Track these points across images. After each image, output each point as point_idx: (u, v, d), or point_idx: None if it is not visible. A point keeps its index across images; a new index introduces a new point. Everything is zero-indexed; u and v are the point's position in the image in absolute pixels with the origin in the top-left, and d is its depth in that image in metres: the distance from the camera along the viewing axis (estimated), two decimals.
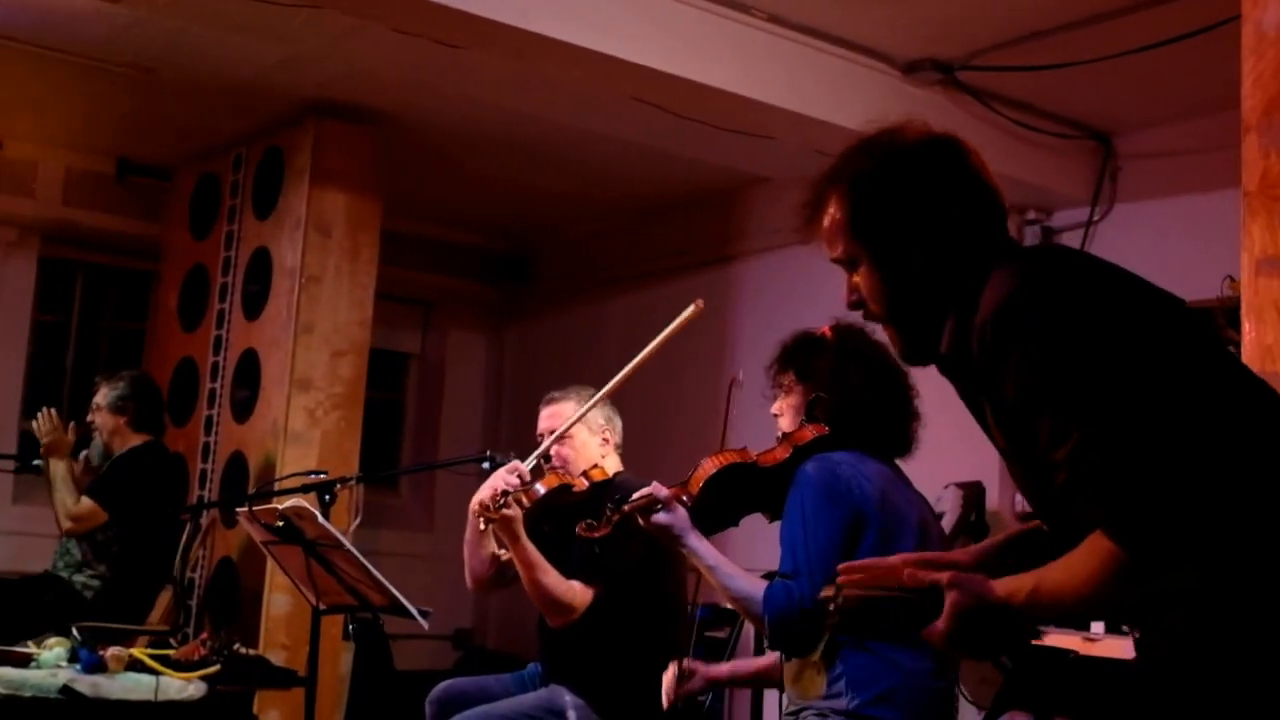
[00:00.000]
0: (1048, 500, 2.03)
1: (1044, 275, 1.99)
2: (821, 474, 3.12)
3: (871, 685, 3.02)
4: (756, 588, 3.14)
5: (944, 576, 1.99)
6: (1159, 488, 1.79)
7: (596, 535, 3.44)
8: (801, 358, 3.39)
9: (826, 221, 2.24)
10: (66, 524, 6.18)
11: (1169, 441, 1.81)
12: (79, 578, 6.19)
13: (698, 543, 3.26)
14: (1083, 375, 1.86)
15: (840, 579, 2.13)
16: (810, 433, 3.30)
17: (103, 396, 6.44)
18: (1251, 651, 1.81)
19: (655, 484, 3.33)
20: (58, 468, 6.22)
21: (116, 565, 6.19)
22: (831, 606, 2.10)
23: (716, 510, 3.36)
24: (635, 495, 3.34)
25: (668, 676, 3.78)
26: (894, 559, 2.17)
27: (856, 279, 2.22)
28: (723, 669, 3.85)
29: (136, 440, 6.37)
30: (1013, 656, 2.14)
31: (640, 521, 3.30)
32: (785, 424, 3.38)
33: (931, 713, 3.06)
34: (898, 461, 3.36)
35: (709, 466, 3.32)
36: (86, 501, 6.16)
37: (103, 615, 5.85)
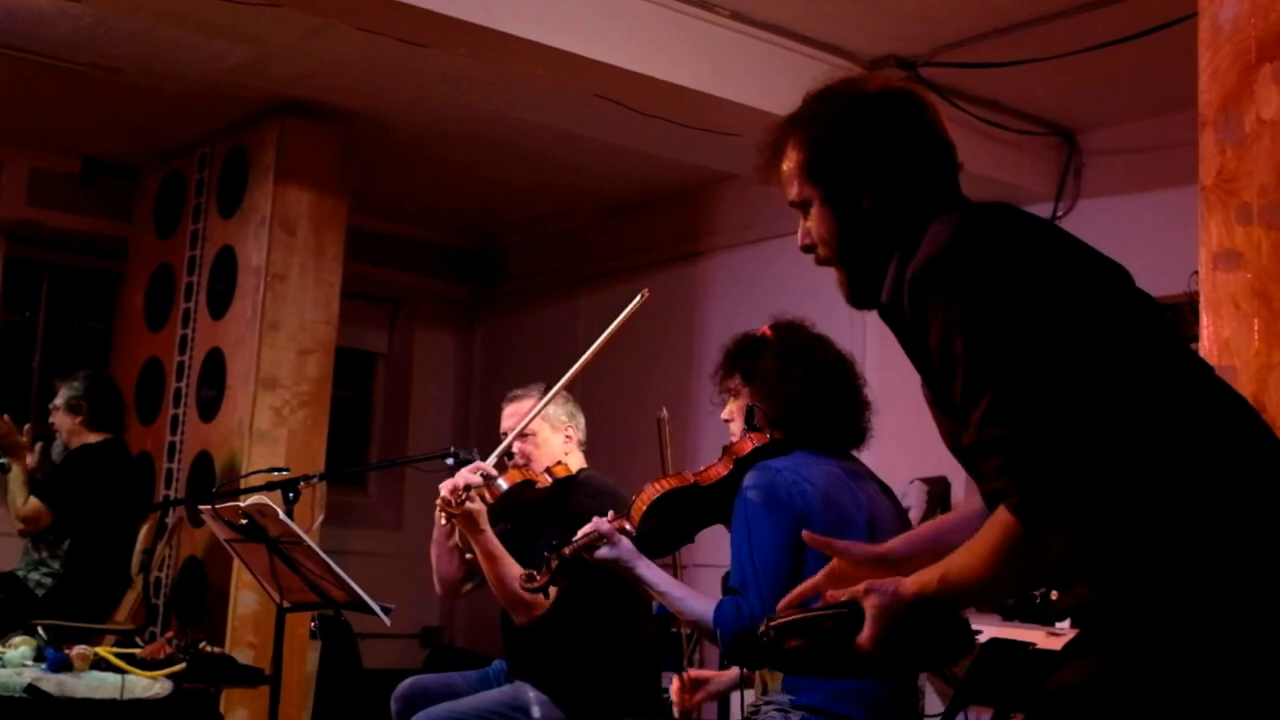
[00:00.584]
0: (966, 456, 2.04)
1: (980, 230, 2.02)
2: (761, 484, 3.11)
3: (830, 682, 3.03)
4: (708, 607, 3.16)
5: (859, 588, 2.02)
6: (1058, 455, 1.81)
7: (536, 585, 3.48)
8: (745, 360, 3.39)
9: (784, 164, 2.28)
10: (17, 525, 6.23)
11: (1075, 414, 1.82)
12: (34, 575, 6.22)
13: (646, 570, 3.30)
14: (1000, 335, 1.88)
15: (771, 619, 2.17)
16: (750, 443, 3.31)
17: (60, 397, 6.48)
18: (1162, 627, 1.84)
19: (596, 519, 3.36)
20: (14, 470, 6.23)
21: (68, 562, 6.23)
22: (764, 639, 2.13)
23: (663, 534, 3.40)
24: (577, 536, 3.36)
25: (674, 689, 3.80)
26: (814, 579, 2.21)
27: (808, 223, 2.26)
28: (731, 674, 3.86)
29: (94, 439, 6.36)
30: (951, 660, 2.14)
31: (586, 558, 3.33)
32: (736, 429, 3.39)
33: (891, 708, 3.07)
34: (857, 454, 3.37)
35: (646, 496, 3.34)
36: (33, 502, 6.21)
37: (56, 613, 5.87)
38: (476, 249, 9.75)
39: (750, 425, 3.31)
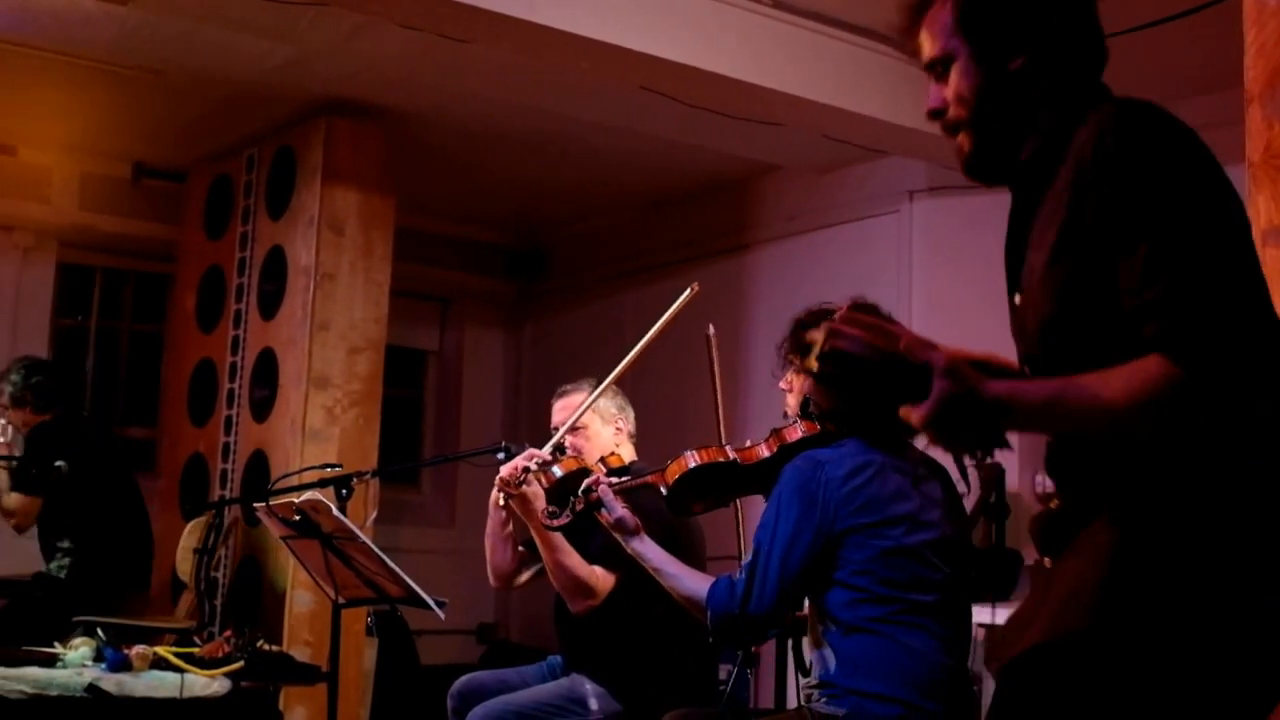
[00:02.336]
0: (1058, 344, 2.02)
1: (1157, 111, 2.01)
2: (801, 477, 3.10)
3: (878, 667, 3.03)
4: (702, 587, 3.20)
5: (939, 358, 1.91)
6: (1232, 314, 1.83)
7: (557, 523, 3.61)
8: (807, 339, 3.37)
9: (930, 18, 2.21)
10: (11, 523, 6.31)
11: (1244, 281, 1.88)
12: (54, 564, 6.29)
13: (641, 546, 3.39)
14: (1189, 200, 1.90)
15: (840, 327, 2.04)
16: (799, 431, 3.31)
17: (4, 395, 6.52)
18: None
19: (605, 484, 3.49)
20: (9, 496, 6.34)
21: (78, 542, 6.32)
22: (818, 351, 2.05)
23: (695, 498, 3.46)
24: (618, 482, 3.49)
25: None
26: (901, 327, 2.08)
27: (943, 85, 2.20)
28: None
29: (43, 419, 6.49)
30: (983, 455, 2.05)
31: (597, 516, 3.45)
32: (793, 401, 3.37)
33: (942, 692, 3.05)
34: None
35: (683, 463, 3.38)
36: (13, 496, 6.27)
37: (80, 589, 6.06)
38: (523, 246, 9.77)
39: (804, 413, 3.31)
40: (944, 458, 2.09)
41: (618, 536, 3.45)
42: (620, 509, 3.45)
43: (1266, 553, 1.86)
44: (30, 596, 6.28)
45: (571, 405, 4.48)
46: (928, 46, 2.22)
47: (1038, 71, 2.13)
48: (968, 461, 2.14)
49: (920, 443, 3.36)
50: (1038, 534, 2.14)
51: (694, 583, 3.26)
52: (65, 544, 6.33)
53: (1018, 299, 2.13)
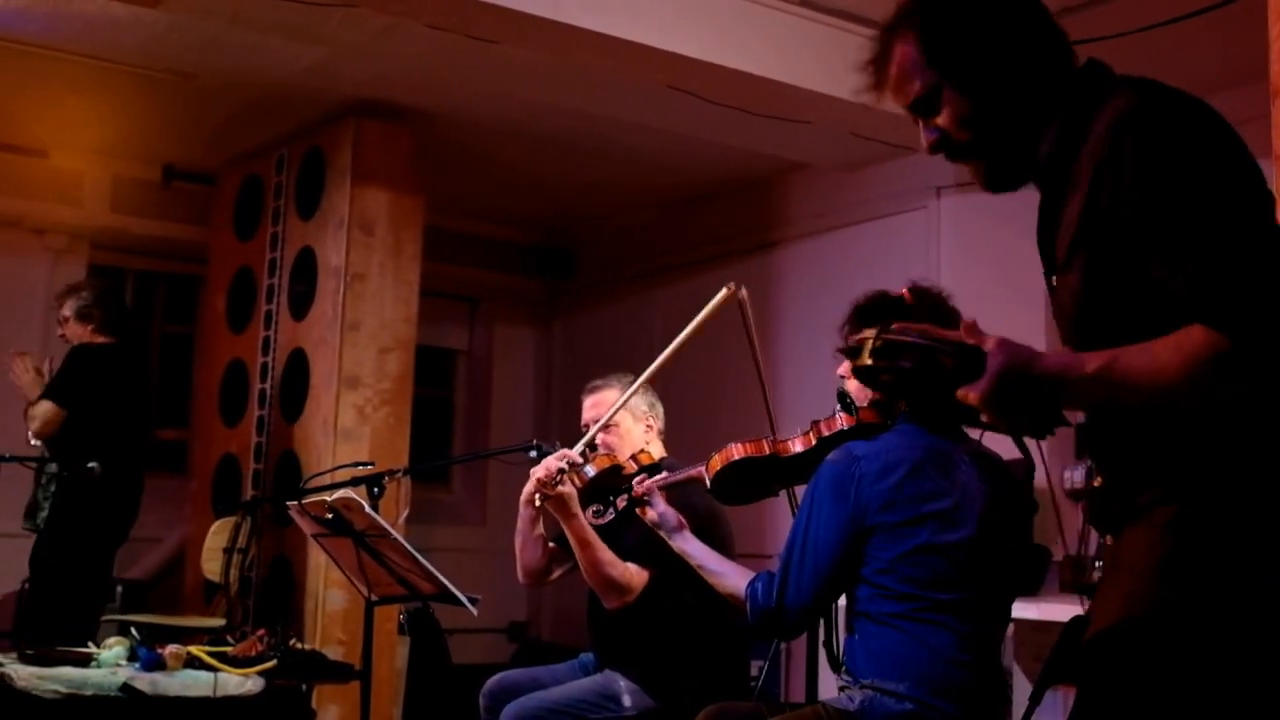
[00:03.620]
0: (1095, 323, 2.02)
1: (1175, 92, 2.01)
2: (836, 472, 3.10)
3: (898, 664, 3.03)
4: (741, 582, 3.21)
5: (991, 341, 1.95)
6: (1270, 279, 1.82)
7: (602, 521, 3.69)
8: (879, 319, 3.34)
9: (897, 64, 2.21)
10: (32, 428, 6.16)
11: (1277, 247, 1.86)
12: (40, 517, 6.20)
13: (684, 544, 3.42)
14: (1214, 172, 1.89)
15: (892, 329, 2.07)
16: (839, 423, 3.30)
17: (69, 308, 6.41)
18: None
19: (666, 475, 3.52)
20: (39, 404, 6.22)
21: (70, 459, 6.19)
22: (870, 345, 2.05)
23: (737, 491, 3.47)
24: (654, 479, 3.52)
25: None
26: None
27: (936, 119, 2.19)
28: None
29: (100, 340, 6.37)
30: (1042, 433, 2.07)
31: (639, 512, 3.49)
32: (853, 387, 3.34)
33: (959, 691, 3.04)
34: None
35: (724, 456, 3.39)
36: (44, 403, 6.14)
37: (66, 510, 6.03)
38: (552, 245, 9.79)
39: (843, 405, 3.30)
40: (1004, 440, 2.10)
41: (661, 533, 3.47)
42: (663, 505, 3.48)
43: None
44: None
45: (603, 401, 4.49)
46: (905, 92, 2.22)
47: (1018, 68, 2.13)
48: (1029, 442, 2.15)
49: (975, 434, 3.34)
50: (1091, 515, 2.14)
51: (736, 579, 3.26)
52: (52, 488, 6.18)
53: (1054, 281, 2.13)
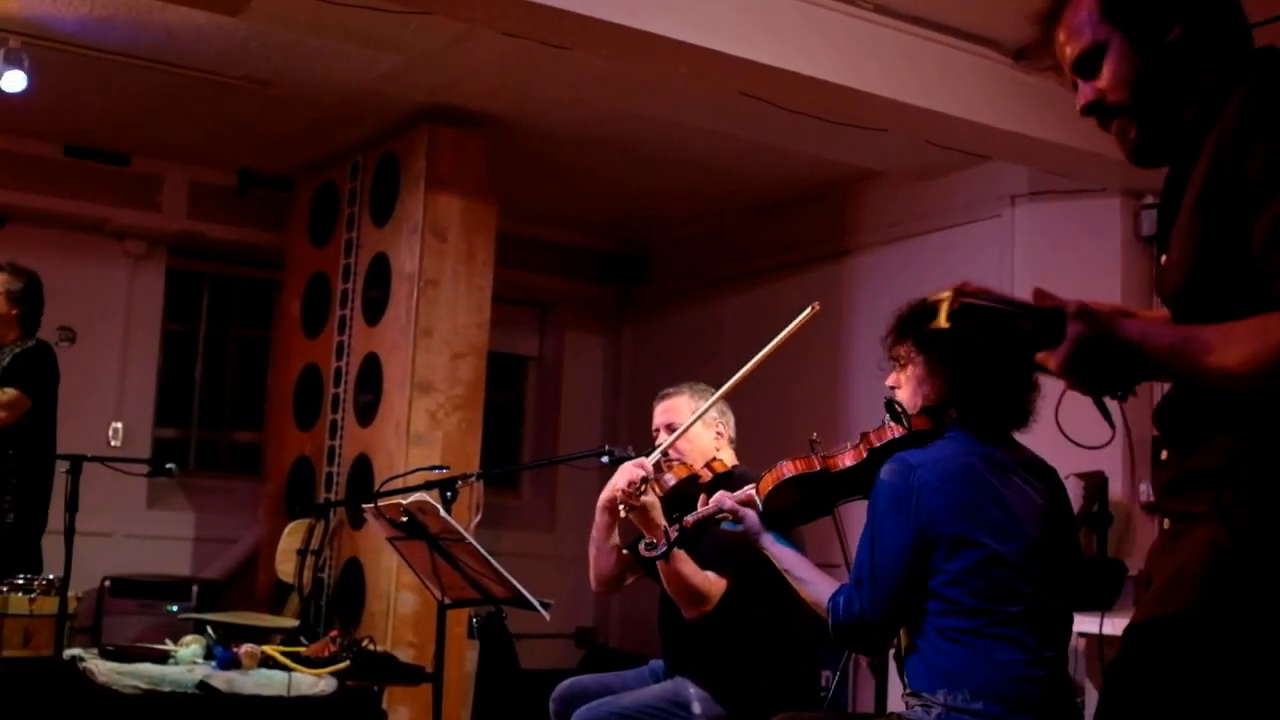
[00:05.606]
0: (1194, 301, 1.99)
1: None
2: (894, 484, 3.07)
3: (966, 679, 2.99)
4: (825, 593, 3.17)
5: (1069, 304, 1.95)
6: None
7: (657, 553, 3.62)
8: (921, 327, 3.31)
9: (1071, 15, 2.18)
10: (6, 417, 6.05)
11: None
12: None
13: (772, 547, 3.36)
14: None
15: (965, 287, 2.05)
16: (888, 433, 3.25)
17: (2, 284, 6.27)
18: None
19: (720, 494, 3.45)
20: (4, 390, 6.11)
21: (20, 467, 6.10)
22: (944, 309, 2.03)
23: (792, 511, 3.42)
24: (700, 508, 3.47)
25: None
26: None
27: (1097, 79, 2.17)
28: None
29: (25, 337, 6.22)
30: (1124, 394, 2.07)
31: (711, 529, 3.45)
32: (904, 396, 3.30)
33: (1035, 703, 3.00)
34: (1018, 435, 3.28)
35: (774, 475, 3.35)
36: (10, 390, 6.05)
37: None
38: (623, 251, 9.81)
39: (892, 415, 3.26)
40: (1084, 401, 2.09)
41: (751, 538, 3.40)
42: (746, 511, 3.40)
43: None
44: None
45: (673, 408, 4.49)
46: (1071, 47, 2.19)
47: (1196, 36, 2.09)
48: (1109, 402, 2.15)
49: (1026, 438, 3.30)
50: (1156, 487, 2.13)
51: (820, 587, 3.22)
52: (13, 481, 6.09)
53: (1164, 259, 2.11)
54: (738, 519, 3.38)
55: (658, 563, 4.15)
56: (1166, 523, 2.10)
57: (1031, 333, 1.98)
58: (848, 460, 3.29)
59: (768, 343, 3.96)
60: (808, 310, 3.80)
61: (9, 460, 6.07)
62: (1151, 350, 1.93)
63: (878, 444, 3.25)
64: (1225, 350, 1.85)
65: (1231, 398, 1.90)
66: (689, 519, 3.46)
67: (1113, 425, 2.20)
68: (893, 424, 3.26)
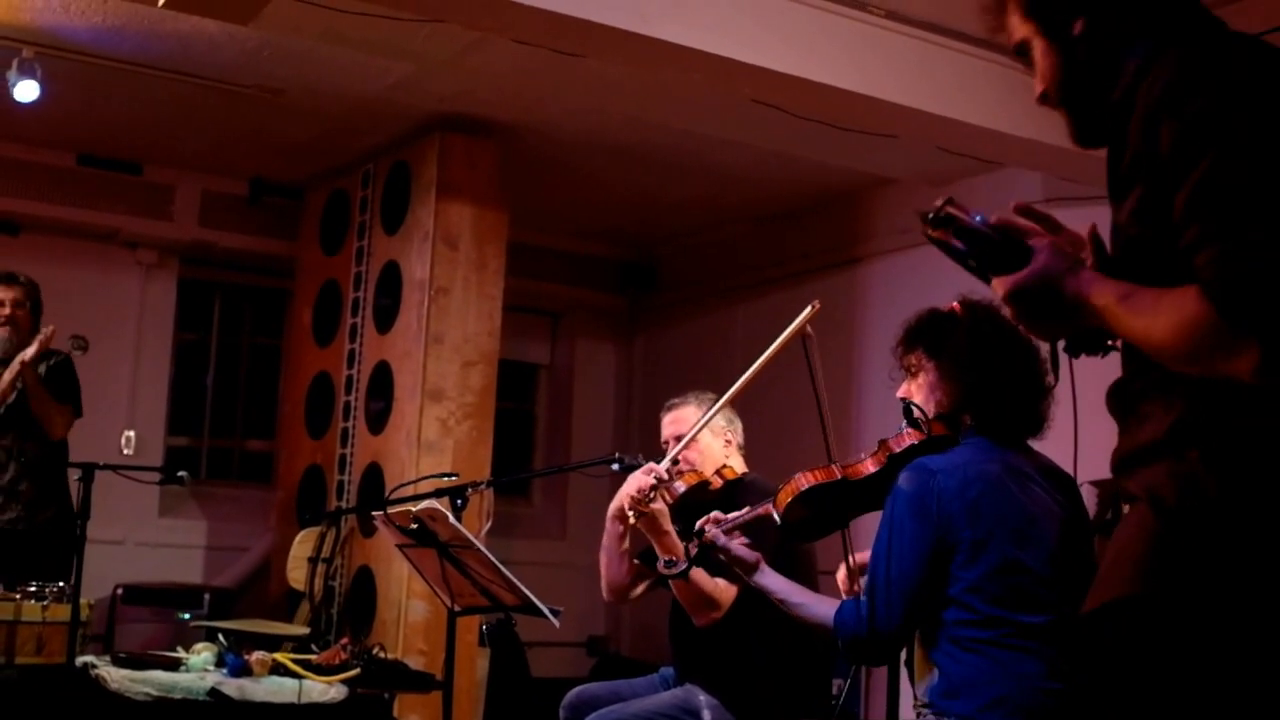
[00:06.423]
0: (1137, 268, 1.99)
1: (1239, 46, 1.97)
2: (913, 489, 3.04)
3: (983, 690, 2.96)
4: (828, 611, 3.16)
5: (1044, 242, 2.00)
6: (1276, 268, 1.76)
7: (676, 570, 3.68)
8: (931, 334, 3.28)
9: (1007, 10, 2.23)
10: (58, 432, 6.23)
11: None
12: (6, 516, 6.18)
13: (764, 580, 3.36)
14: (1246, 137, 1.83)
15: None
16: (906, 439, 3.23)
17: (23, 294, 6.35)
18: None
19: (711, 531, 3.45)
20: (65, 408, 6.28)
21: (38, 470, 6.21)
22: (930, 215, 2.09)
23: (810, 524, 3.39)
24: (704, 535, 3.46)
25: (841, 578, 3.68)
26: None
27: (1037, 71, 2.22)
28: None
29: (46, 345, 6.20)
30: (1073, 349, 2.11)
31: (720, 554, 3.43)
32: (918, 416, 3.29)
33: (1052, 717, 2.98)
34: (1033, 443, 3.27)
35: (792, 488, 3.31)
36: (64, 405, 6.24)
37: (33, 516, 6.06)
38: (635, 259, 9.81)
39: (909, 421, 3.24)
40: (1100, 410, 2.11)
41: (739, 572, 3.42)
42: (738, 546, 3.39)
43: None
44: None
45: (681, 419, 4.48)
46: (1010, 37, 2.25)
47: (1101, 25, 2.11)
48: (1061, 350, 2.20)
49: (1042, 446, 3.29)
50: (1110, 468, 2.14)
51: (821, 608, 3.21)
52: (25, 485, 6.20)
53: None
54: (728, 554, 3.39)
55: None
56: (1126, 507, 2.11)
57: (998, 256, 2.03)
58: (868, 467, 3.26)
59: (781, 348, 3.94)
60: (807, 309, 3.77)
61: (53, 467, 6.21)
62: (1092, 305, 1.95)
63: (897, 450, 3.23)
64: (1155, 317, 1.87)
65: (1165, 371, 1.91)
66: (692, 546, 3.47)
67: (1057, 375, 2.25)
68: (911, 430, 3.24)
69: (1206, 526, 1.86)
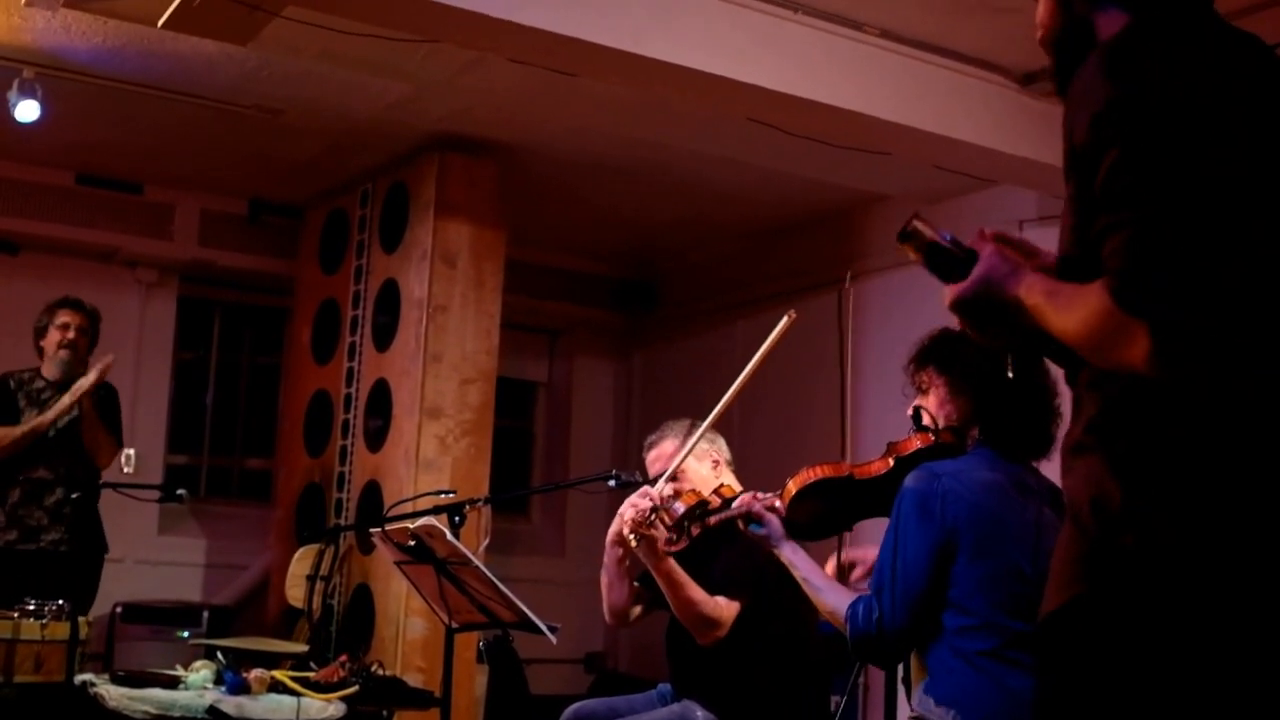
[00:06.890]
0: (1072, 261, 2.02)
1: (1166, 37, 1.98)
2: (919, 490, 3.05)
3: (978, 708, 2.97)
4: (843, 602, 3.15)
5: (989, 248, 2.05)
6: (1175, 259, 1.78)
7: (674, 549, 3.63)
8: (942, 352, 3.29)
9: None
10: (106, 460, 6.31)
11: (1207, 233, 1.80)
12: (49, 537, 6.20)
13: (792, 554, 3.32)
14: (1161, 132, 1.85)
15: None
16: (915, 443, 3.26)
17: (87, 321, 6.45)
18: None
19: (744, 497, 3.43)
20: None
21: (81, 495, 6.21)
22: (906, 227, 2.15)
23: (814, 521, 3.39)
24: (733, 505, 3.43)
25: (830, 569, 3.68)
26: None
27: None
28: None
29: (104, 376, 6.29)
30: (1020, 355, 2.17)
31: (732, 530, 3.42)
32: (928, 422, 3.31)
33: None
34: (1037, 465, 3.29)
35: (799, 480, 3.33)
36: (112, 435, 6.34)
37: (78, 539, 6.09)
38: (632, 277, 9.83)
39: (918, 425, 3.27)
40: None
41: (771, 547, 3.36)
42: (770, 516, 3.35)
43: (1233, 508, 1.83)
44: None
45: (662, 454, 4.49)
46: None
47: None
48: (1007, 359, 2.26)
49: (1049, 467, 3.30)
50: None
51: (836, 597, 3.21)
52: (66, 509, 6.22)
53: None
54: (761, 521, 3.34)
55: (665, 592, 4.16)
56: None
57: (953, 268, 2.09)
58: (877, 468, 3.29)
59: (767, 366, 3.94)
60: (784, 320, 3.78)
61: (92, 494, 6.28)
62: (1028, 302, 1.97)
63: (904, 453, 3.26)
64: (1070, 310, 1.89)
65: (1094, 370, 1.93)
66: (713, 518, 3.45)
67: (1009, 374, 2.29)
68: (919, 434, 3.27)
69: (1112, 538, 1.88)
